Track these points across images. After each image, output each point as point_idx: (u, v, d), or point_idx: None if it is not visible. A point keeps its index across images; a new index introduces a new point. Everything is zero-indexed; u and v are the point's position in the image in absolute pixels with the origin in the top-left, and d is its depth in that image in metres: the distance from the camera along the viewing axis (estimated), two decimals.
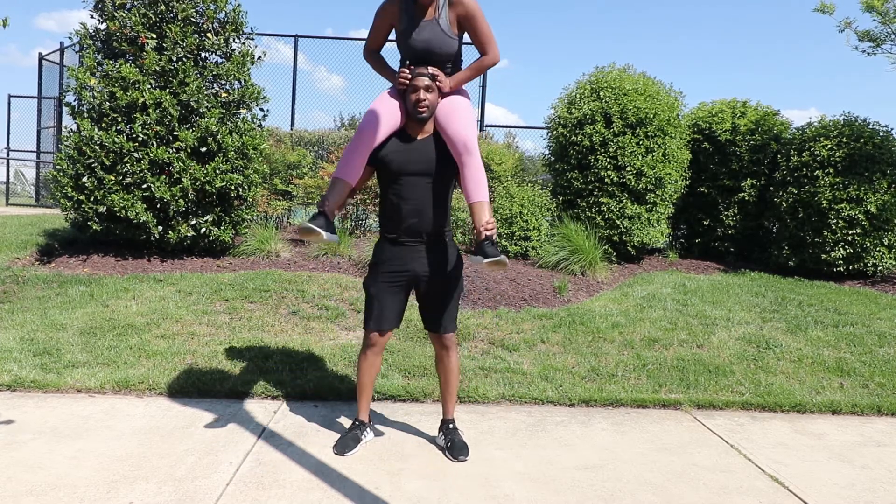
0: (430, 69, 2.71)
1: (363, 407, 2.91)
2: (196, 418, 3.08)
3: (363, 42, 2.99)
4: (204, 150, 5.79)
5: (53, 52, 13.16)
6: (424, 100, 2.66)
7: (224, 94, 5.95)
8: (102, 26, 5.82)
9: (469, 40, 2.86)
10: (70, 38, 6.12)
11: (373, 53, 2.96)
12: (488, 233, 2.54)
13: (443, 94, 2.76)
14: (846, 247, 6.60)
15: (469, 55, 2.86)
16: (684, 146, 7.18)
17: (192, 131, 5.64)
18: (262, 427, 3.02)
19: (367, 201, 7.38)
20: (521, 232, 6.62)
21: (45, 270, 5.43)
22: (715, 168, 7.55)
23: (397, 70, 2.83)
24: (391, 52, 2.98)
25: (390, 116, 2.70)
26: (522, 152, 10.66)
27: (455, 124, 2.68)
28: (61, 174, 5.61)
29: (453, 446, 2.80)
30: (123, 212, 5.48)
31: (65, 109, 7.14)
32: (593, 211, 6.80)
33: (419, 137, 2.75)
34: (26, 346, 3.81)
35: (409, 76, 2.70)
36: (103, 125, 5.58)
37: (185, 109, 5.74)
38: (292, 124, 10.37)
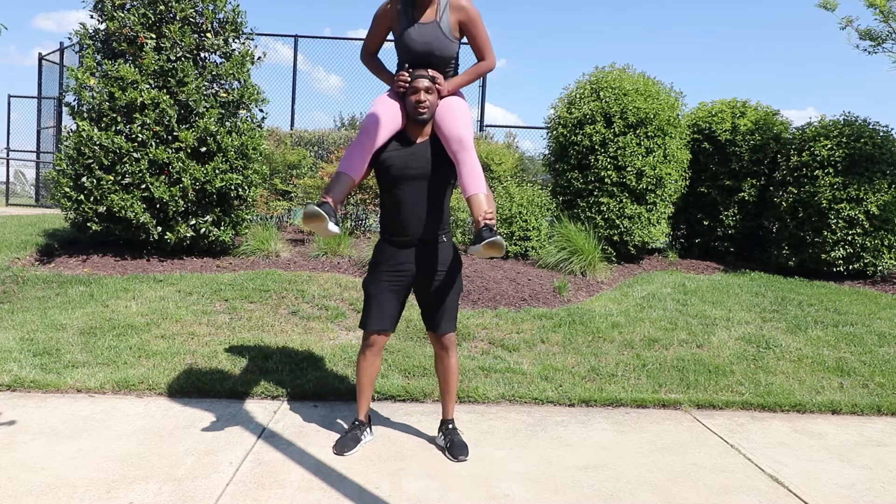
0: (430, 71, 2.72)
1: (363, 407, 2.91)
2: (196, 418, 3.08)
3: (362, 42, 3.00)
4: (203, 150, 5.79)
5: (53, 52, 13.15)
6: (425, 101, 2.67)
7: (224, 95, 5.95)
8: (102, 26, 5.82)
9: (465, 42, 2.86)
10: (70, 38, 6.12)
11: (370, 56, 2.97)
12: (488, 221, 2.51)
13: (441, 97, 2.76)
14: (846, 247, 6.60)
15: (465, 59, 2.86)
16: (684, 146, 7.18)
17: (192, 131, 5.64)
18: (262, 427, 3.02)
19: (368, 201, 7.38)
20: (521, 232, 6.61)
21: (45, 270, 5.43)
22: (715, 168, 7.55)
23: (395, 73, 2.83)
24: (388, 54, 2.98)
25: (392, 118, 2.71)
26: (522, 152, 10.67)
27: (450, 122, 2.68)
28: (61, 174, 5.61)
29: (453, 446, 2.80)
30: (122, 212, 5.48)
31: (64, 109, 7.15)
32: (593, 211, 6.80)
33: (418, 140, 2.75)
34: (26, 346, 3.81)
35: (409, 78, 2.70)
36: (102, 125, 5.59)
37: (183, 109, 5.74)
38: (292, 124, 10.37)
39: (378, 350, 2.81)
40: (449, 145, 2.66)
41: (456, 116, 2.70)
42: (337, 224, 2.49)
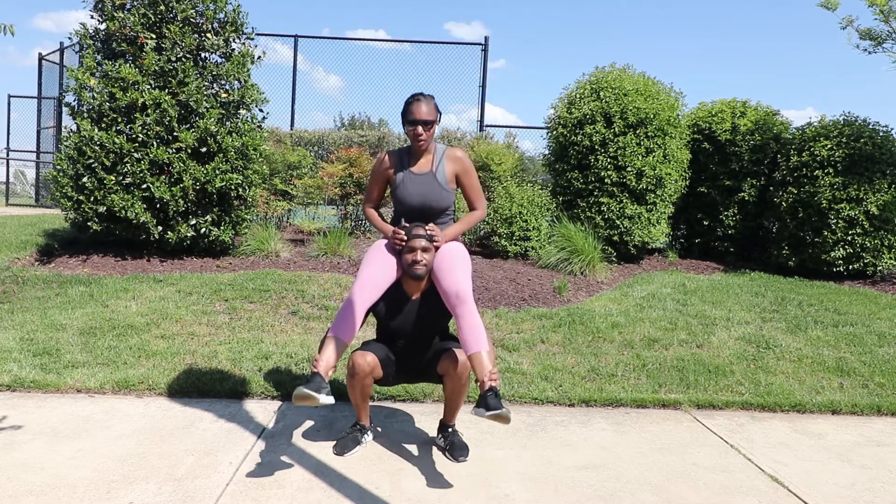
0: (428, 229, 2.72)
1: (362, 414, 2.89)
2: (196, 418, 3.08)
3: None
4: (204, 150, 5.79)
5: (53, 52, 13.15)
6: (421, 260, 2.68)
7: (224, 95, 5.96)
8: (102, 26, 5.83)
9: None
10: (70, 38, 6.13)
11: (372, 209, 3.01)
12: (493, 383, 2.45)
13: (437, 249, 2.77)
14: (846, 247, 6.60)
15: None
16: (684, 146, 7.18)
17: (192, 132, 5.65)
18: (262, 427, 3.02)
19: None
20: (521, 232, 6.62)
21: (44, 270, 5.43)
22: (715, 168, 7.55)
23: (393, 226, 2.84)
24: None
25: (386, 272, 2.71)
26: (522, 152, 10.64)
27: (449, 276, 2.66)
28: (61, 174, 5.61)
29: (453, 446, 2.80)
30: (123, 212, 5.48)
31: (64, 110, 7.15)
32: (593, 211, 6.80)
33: (414, 297, 2.79)
34: (26, 346, 3.81)
35: (406, 237, 2.70)
36: (103, 125, 5.59)
37: (184, 110, 5.74)
38: (292, 124, 10.36)
39: (363, 376, 2.68)
40: (448, 299, 2.65)
41: (455, 269, 2.68)
42: (329, 395, 2.41)
